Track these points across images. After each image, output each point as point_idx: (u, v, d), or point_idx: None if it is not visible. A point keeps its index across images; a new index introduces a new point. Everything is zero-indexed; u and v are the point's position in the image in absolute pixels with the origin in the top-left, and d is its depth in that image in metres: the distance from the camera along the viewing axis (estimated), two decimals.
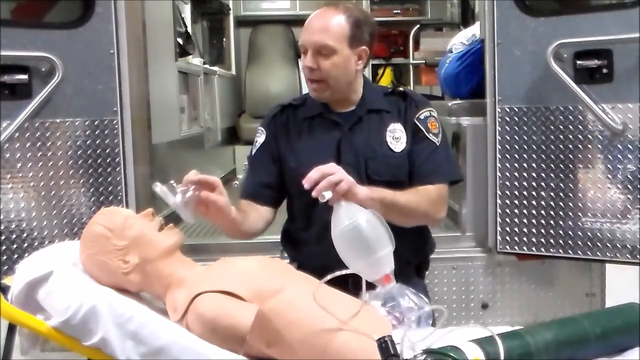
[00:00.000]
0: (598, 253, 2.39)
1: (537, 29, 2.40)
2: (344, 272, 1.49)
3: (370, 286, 1.56)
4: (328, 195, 1.62)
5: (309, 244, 1.97)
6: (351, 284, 1.59)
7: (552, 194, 2.45)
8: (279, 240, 2.13)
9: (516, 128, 2.47)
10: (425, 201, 1.89)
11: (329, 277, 1.46)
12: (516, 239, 2.52)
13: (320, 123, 2.00)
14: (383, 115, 1.99)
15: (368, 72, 5.53)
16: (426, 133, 1.97)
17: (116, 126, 2.45)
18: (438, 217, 1.95)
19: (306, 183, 1.64)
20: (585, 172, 2.39)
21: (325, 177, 1.63)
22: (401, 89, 2.08)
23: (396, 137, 1.96)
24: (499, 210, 2.54)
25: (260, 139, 2.04)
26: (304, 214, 1.98)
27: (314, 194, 1.63)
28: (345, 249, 1.55)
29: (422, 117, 1.98)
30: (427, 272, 2.17)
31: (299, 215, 2.02)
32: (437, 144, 1.98)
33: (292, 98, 2.10)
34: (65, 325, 1.45)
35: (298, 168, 1.94)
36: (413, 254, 2.00)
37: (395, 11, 6.07)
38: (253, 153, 2.06)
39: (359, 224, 1.55)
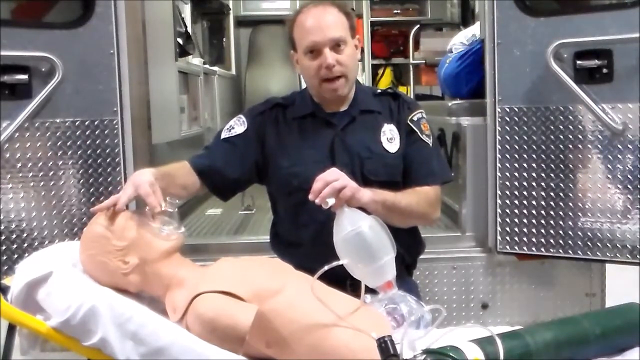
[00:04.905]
0: (598, 253, 2.39)
1: (537, 29, 2.40)
2: (339, 262, 1.50)
3: (370, 288, 1.56)
4: (331, 201, 1.61)
5: (302, 246, 1.95)
6: (349, 286, 1.60)
7: (552, 194, 2.44)
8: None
9: (516, 128, 2.47)
10: (424, 202, 1.90)
11: (326, 267, 1.45)
12: (516, 239, 2.52)
13: (313, 123, 1.99)
14: (375, 115, 2.00)
15: (368, 72, 5.54)
16: (420, 135, 1.98)
17: (116, 126, 2.45)
18: (434, 217, 1.97)
19: (312, 195, 1.63)
20: (585, 172, 2.39)
21: (329, 184, 1.62)
22: (390, 90, 2.08)
23: (390, 138, 1.97)
24: (499, 210, 2.53)
25: (239, 128, 1.99)
26: (294, 214, 1.96)
27: (317, 201, 1.62)
28: (348, 255, 1.54)
29: (415, 118, 1.99)
30: (416, 272, 2.18)
31: (288, 217, 2.00)
32: (430, 145, 1.99)
33: (281, 97, 2.08)
34: (65, 326, 1.45)
35: (290, 167, 1.93)
36: (407, 253, 2.00)
37: (395, 11, 6.08)
38: (223, 136, 2.00)
39: (363, 231, 1.55)
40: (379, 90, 2.08)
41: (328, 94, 1.94)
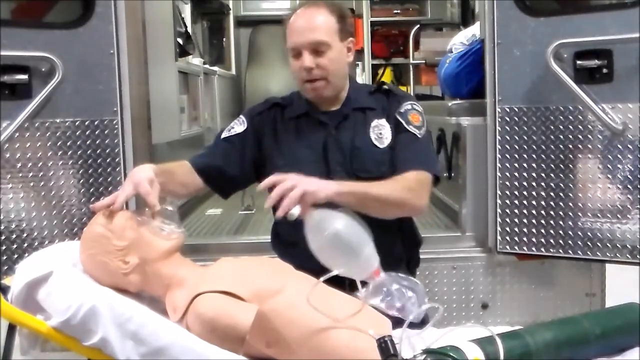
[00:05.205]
0: (598, 253, 2.39)
1: (537, 29, 2.40)
2: (334, 273, 1.47)
3: (365, 283, 1.55)
4: (296, 211, 1.57)
5: (301, 246, 1.94)
6: (348, 286, 1.59)
7: (552, 194, 2.45)
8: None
9: (516, 128, 2.47)
10: (401, 188, 1.82)
11: (323, 278, 1.45)
12: (516, 239, 2.52)
13: (307, 122, 2.01)
14: (368, 113, 2.00)
15: (368, 72, 5.53)
16: (406, 125, 1.95)
17: (116, 126, 2.45)
18: (418, 204, 1.85)
19: (268, 202, 1.61)
20: (585, 172, 2.39)
21: (287, 193, 1.59)
22: (385, 86, 2.07)
23: (380, 133, 1.97)
24: (499, 210, 2.53)
25: (239, 127, 2.02)
26: None
27: (279, 213, 1.60)
28: (330, 258, 1.51)
29: (402, 110, 1.98)
30: (417, 270, 2.14)
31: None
32: (418, 136, 1.95)
33: (280, 97, 2.09)
34: (65, 325, 1.45)
35: (285, 167, 1.92)
36: (403, 249, 2.00)
37: (395, 11, 6.09)
38: (223, 136, 2.03)
39: (337, 232, 1.50)
40: (373, 88, 2.08)
41: (309, 94, 1.97)
